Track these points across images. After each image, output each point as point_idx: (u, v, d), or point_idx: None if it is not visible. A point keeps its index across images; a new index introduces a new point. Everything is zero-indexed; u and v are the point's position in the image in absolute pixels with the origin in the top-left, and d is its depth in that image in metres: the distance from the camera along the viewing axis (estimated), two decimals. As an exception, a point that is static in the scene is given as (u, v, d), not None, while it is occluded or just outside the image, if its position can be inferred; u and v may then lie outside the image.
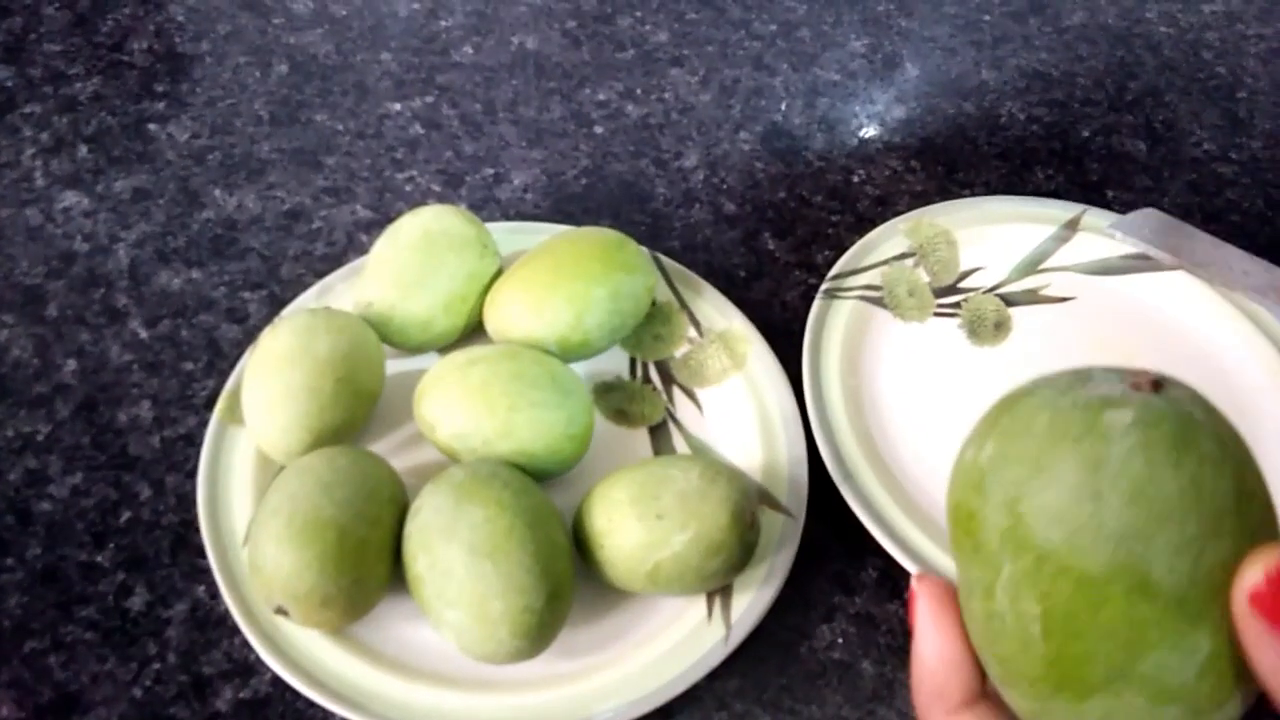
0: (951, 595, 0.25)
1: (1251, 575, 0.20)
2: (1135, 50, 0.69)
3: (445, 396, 0.42)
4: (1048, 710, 0.22)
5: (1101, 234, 0.55)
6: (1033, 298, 0.53)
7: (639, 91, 0.63)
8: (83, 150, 0.56)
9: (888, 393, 0.49)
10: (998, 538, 0.22)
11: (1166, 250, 0.53)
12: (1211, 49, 0.70)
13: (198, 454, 0.43)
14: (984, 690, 0.25)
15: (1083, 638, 0.21)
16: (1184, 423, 0.21)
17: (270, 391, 0.41)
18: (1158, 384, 0.22)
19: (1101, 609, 0.21)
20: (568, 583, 0.38)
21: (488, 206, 0.56)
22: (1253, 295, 0.51)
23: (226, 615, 0.40)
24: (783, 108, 0.63)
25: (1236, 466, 0.21)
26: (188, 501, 0.43)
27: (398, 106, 0.60)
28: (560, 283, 0.45)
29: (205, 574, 0.42)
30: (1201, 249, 0.54)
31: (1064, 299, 0.53)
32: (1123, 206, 0.59)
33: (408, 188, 0.56)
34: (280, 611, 0.37)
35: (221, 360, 0.48)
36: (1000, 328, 0.52)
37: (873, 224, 0.55)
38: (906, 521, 0.43)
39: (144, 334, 0.49)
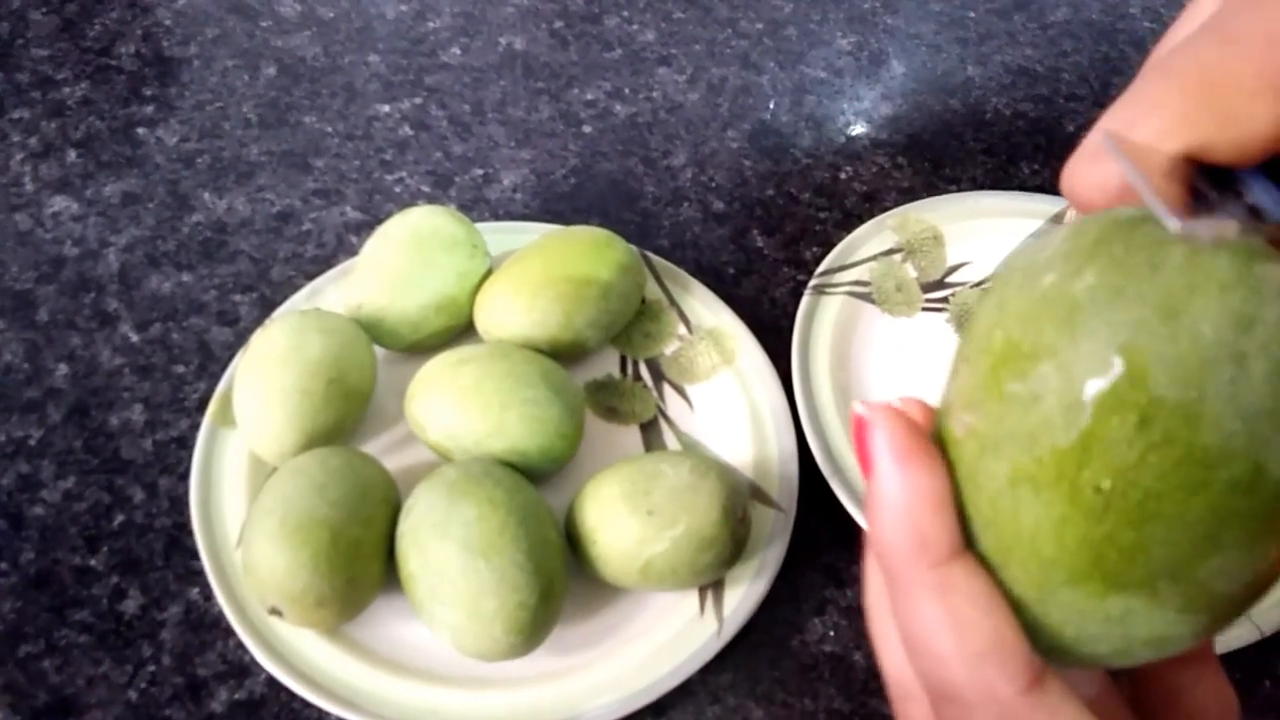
0: (920, 428, 0.20)
1: None
2: (1119, 45, 0.69)
3: (436, 396, 0.42)
4: (1049, 598, 0.19)
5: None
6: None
7: (627, 91, 0.63)
8: (72, 155, 0.57)
9: (877, 387, 0.49)
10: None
11: None
12: (1195, 43, 0.70)
13: (190, 457, 0.44)
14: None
15: (1154, 522, 0.18)
16: None
17: (262, 393, 0.41)
18: None
19: (1196, 494, 0.17)
20: (561, 579, 0.38)
21: (477, 207, 0.56)
22: None
23: (221, 617, 0.41)
24: (771, 106, 0.63)
25: None
26: (181, 504, 0.44)
27: (386, 108, 0.61)
28: (550, 281, 0.46)
29: (199, 576, 0.42)
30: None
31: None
32: (1108, 200, 0.59)
33: (397, 189, 0.57)
34: (274, 612, 0.37)
35: (213, 363, 0.48)
36: (988, 322, 0.52)
37: (860, 220, 0.55)
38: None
39: (135, 338, 0.49)
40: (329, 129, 0.59)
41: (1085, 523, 0.18)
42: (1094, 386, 0.18)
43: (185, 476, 0.44)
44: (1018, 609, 0.19)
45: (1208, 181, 0.19)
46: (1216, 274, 0.17)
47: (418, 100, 0.61)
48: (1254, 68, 0.18)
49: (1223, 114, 0.18)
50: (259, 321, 0.49)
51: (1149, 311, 0.17)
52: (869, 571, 0.23)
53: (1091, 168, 0.20)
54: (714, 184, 0.58)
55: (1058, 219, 0.56)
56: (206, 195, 0.55)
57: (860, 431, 0.21)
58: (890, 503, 0.20)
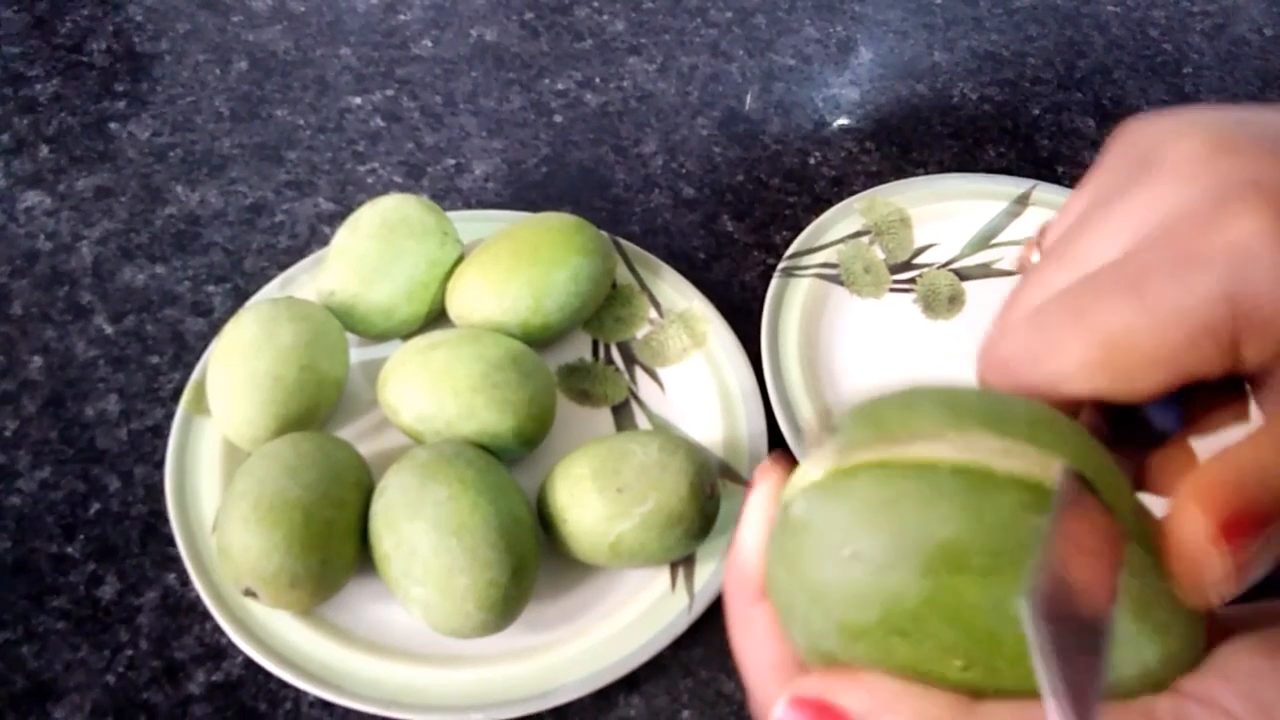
0: (775, 495, 0.23)
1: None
2: (1084, 29, 0.70)
3: (408, 380, 0.43)
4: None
5: (1052, 209, 0.56)
6: (986, 272, 0.54)
7: (598, 80, 0.64)
8: (44, 150, 0.57)
9: (845, 367, 0.50)
10: None
11: None
12: (1158, 26, 0.71)
13: (165, 445, 0.44)
14: None
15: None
16: None
17: (235, 380, 0.42)
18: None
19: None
20: (532, 557, 0.39)
21: (450, 196, 0.57)
22: None
23: (197, 601, 0.41)
24: (749, 99, 0.64)
25: None
26: (156, 492, 0.44)
27: (358, 100, 0.61)
28: (520, 267, 0.46)
29: (175, 562, 0.42)
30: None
31: (1016, 273, 0.54)
32: (1072, 182, 0.60)
33: (369, 180, 0.57)
34: (249, 594, 0.38)
35: (187, 353, 0.49)
36: (954, 302, 0.53)
37: (829, 204, 0.56)
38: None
39: (109, 329, 0.49)
40: (301, 121, 0.59)
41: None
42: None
43: (160, 464, 0.45)
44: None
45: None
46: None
47: (389, 92, 0.62)
48: (1157, 341, 0.20)
49: (1120, 374, 0.20)
50: (233, 312, 0.50)
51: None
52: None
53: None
54: (684, 171, 0.59)
55: (1022, 201, 0.57)
56: (179, 188, 0.56)
57: (749, 489, 0.24)
58: (739, 545, 0.23)
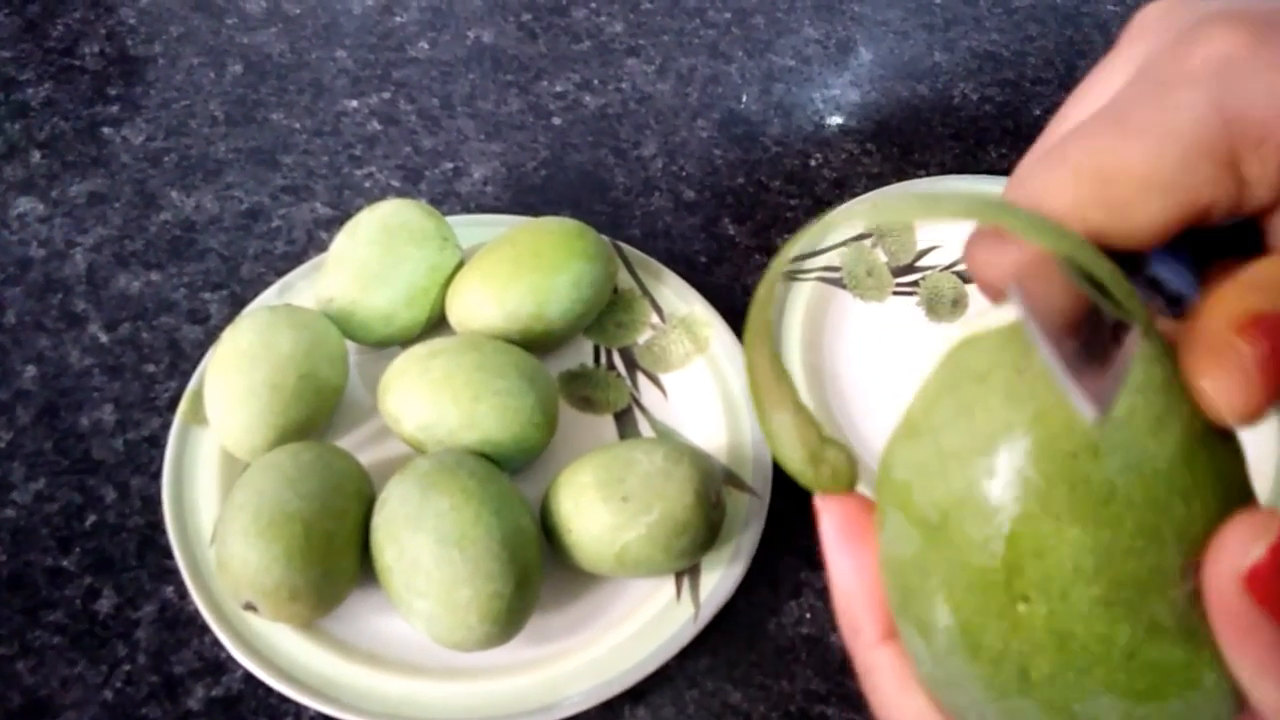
0: (862, 515, 0.22)
1: (1243, 549, 0.16)
2: (1084, 29, 0.70)
3: (409, 389, 0.42)
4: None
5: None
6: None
7: (596, 82, 0.63)
8: (36, 156, 0.56)
9: (848, 371, 0.50)
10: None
11: None
12: (1158, 26, 0.71)
13: (161, 455, 0.43)
14: None
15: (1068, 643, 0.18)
16: None
17: (233, 389, 0.41)
18: None
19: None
20: (536, 568, 0.39)
21: (448, 200, 0.56)
22: None
23: (196, 614, 0.40)
24: (743, 98, 0.63)
25: None
26: (153, 503, 0.43)
27: (354, 103, 0.60)
28: (522, 273, 0.46)
29: (173, 574, 0.42)
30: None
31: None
32: (1075, 182, 0.60)
33: (367, 184, 0.56)
34: (249, 607, 0.37)
35: (183, 361, 0.48)
36: (958, 304, 0.53)
37: (831, 207, 0.56)
38: (871, 496, 0.44)
39: (104, 338, 0.49)
40: (297, 125, 0.59)
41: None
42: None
43: (157, 475, 0.44)
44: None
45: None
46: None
47: (386, 95, 0.61)
48: (1149, 162, 0.18)
49: (1115, 206, 0.19)
50: (229, 319, 0.49)
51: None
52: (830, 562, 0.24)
53: (991, 253, 0.21)
54: (684, 173, 0.59)
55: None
56: (174, 194, 0.55)
57: (816, 519, 0.22)
58: (835, 588, 0.22)
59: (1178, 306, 0.20)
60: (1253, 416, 0.17)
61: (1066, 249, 0.18)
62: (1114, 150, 0.19)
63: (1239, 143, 0.18)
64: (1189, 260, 0.20)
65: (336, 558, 0.38)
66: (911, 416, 0.20)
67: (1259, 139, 0.18)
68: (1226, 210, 0.19)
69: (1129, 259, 0.19)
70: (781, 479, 0.45)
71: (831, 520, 0.22)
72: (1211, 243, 0.20)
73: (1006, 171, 0.60)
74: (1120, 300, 0.18)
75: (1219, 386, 0.17)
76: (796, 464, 0.23)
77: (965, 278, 0.54)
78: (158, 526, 0.43)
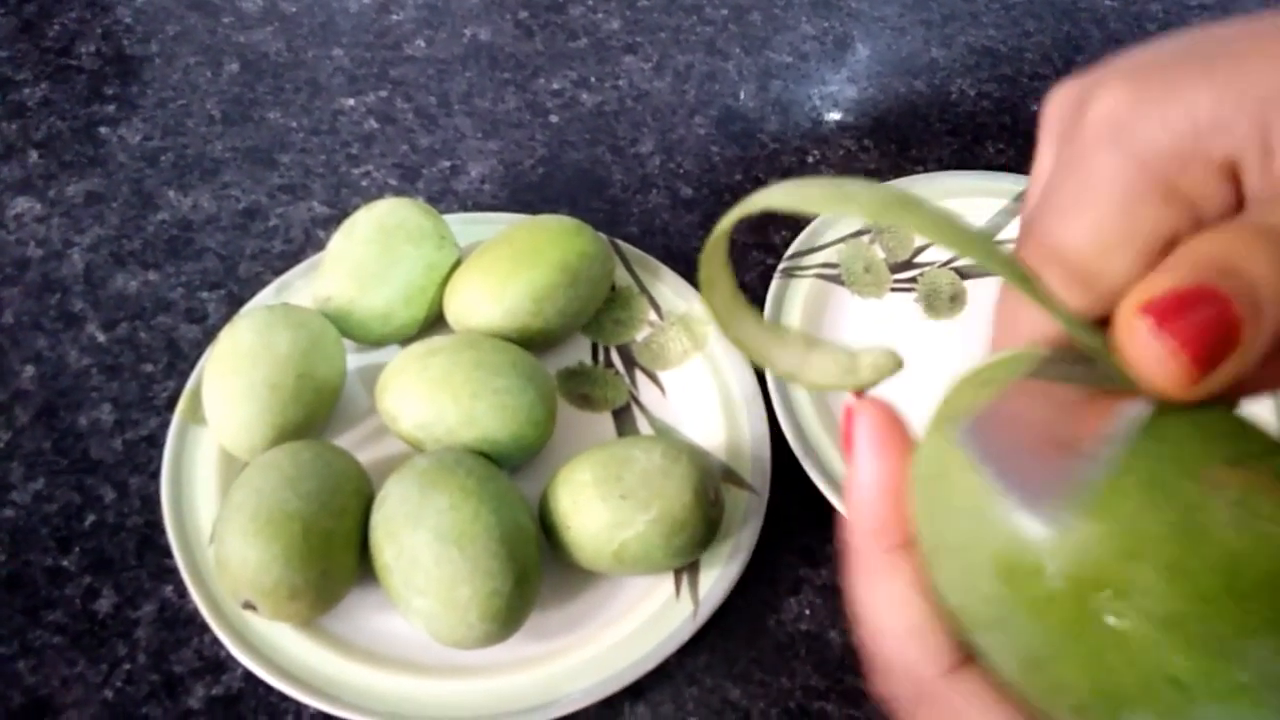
0: (901, 423, 0.21)
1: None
2: (1081, 24, 0.70)
3: (407, 387, 0.42)
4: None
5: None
6: (987, 270, 0.54)
7: (593, 80, 0.63)
8: (33, 156, 0.56)
9: (847, 368, 0.50)
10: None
11: None
12: (1155, 20, 0.71)
13: (160, 455, 0.43)
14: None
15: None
16: None
17: (231, 389, 0.41)
18: None
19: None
20: (534, 566, 0.39)
21: (445, 199, 0.56)
22: None
23: (195, 613, 0.41)
24: (741, 95, 0.63)
25: None
26: (152, 502, 0.43)
27: (351, 102, 0.60)
28: (519, 271, 0.46)
29: (172, 573, 0.42)
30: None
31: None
32: (1072, 178, 0.60)
33: (364, 183, 0.56)
34: (248, 606, 0.37)
35: (181, 361, 0.48)
36: (956, 300, 0.53)
37: (828, 203, 0.56)
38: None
39: (102, 337, 0.49)
40: (293, 124, 0.59)
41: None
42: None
43: (156, 475, 0.44)
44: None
45: None
46: None
47: (383, 93, 0.61)
48: (1092, 228, 0.19)
49: (1086, 280, 0.19)
50: (227, 318, 0.49)
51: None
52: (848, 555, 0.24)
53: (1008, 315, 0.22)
54: (682, 171, 0.59)
55: (1022, 199, 0.56)
56: (171, 193, 0.55)
57: (849, 419, 0.22)
58: (861, 485, 0.21)
59: None
60: (1196, 387, 0.17)
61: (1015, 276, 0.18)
62: (1057, 232, 0.20)
63: (1165, 175, 0.19)
64: None
65: (335, 556, 0.38)
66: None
67: (1180, 164, 0.19)
68: (1194, 228, 0.19)
69: None
70: (780, 476, 0.45)
71: (867, 421, 0.21)
72: None
73: (1004, 167, 0.60)
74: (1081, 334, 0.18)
75: (1142, 367, 0.17)
76: (833, 376, 0.22)
77: (963, 274, 0.54)
78: (157, 526, 0.43)
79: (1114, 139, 0.19)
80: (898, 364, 0.22)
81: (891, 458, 0.21)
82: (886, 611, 0.20)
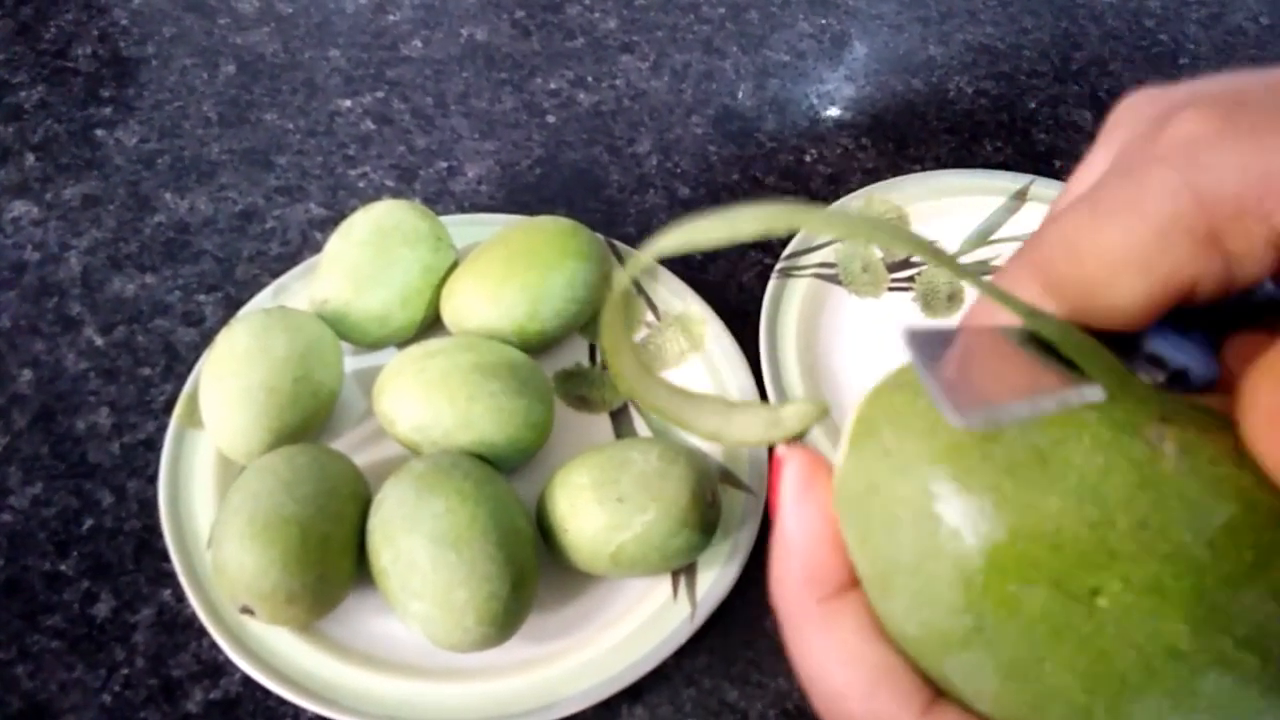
0: (824, 470, 0.21)
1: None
2: (1079, 21, 0.70)
3: (404, 390, 0.42)
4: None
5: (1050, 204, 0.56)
6: (984, 269, 0.54)
7: (590, 79, 0.63)
8: (30, 159, 0.56)
9: (844, 367, 0.50)
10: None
11: None
12: (1154, 17, 0.71)
13: (158, 459, 0.43)
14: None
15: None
16: None
17: (228, 393, 0.41)
18: None
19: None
20: (532, 569, 0.39)
21: (442, 200, 0.56)
22: None
23: (193, 618, 0.41)
24: (738, 93, 0.63)
25: None
26: (150, 506, 0.43)
27: (348, 103, 0.60)
28: (515, 272, 0.46)
29: (170, 578, 0.42)
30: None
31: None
32: (1070, 176, 0.60)
33: (361, 184, 0.56)
34: (246, 611, 0.37)
35: (179, 364, 0.48)
36: (953, 299, 0.53)
37: (825, 202, 0.56)
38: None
39: (99, 341, 0.49)
40: (290, 125, 0.59)
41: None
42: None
43: (154, 479, 0.44)
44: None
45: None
46: None
47: (379, 94, 0.61)
48: (1121, 241, 0.18)
49: (1089, 286, 0.19)
50: (224, 321, 0.49)
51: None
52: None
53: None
54: (679, 170, 0.59)
55: (1020, 197, 0.56)
56: (168, 195, 0.55)
57: (775, 470, 0.21)
58: (788, 534, 0.20)
59: (1184, 382, 0.20)
60: None
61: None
62: (1086, 231, 0.19)
63: (1216, 219, 0.18)
64: (1203, 337, 0.20)
65: (333, 560, 0.38)
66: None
67: (1236, 213, 0.18)
68: (1217, 286, 0.18)
69: (1127, 339, 0.19)
70: (777, 477, 0.45)
71: (792, 471, 0.20)
72: (1232, 317, 0.20)
73: (1002, 165, 0.60)
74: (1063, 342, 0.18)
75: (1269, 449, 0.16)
76: (758, 432, 0.22)
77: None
78: (154, 530, 0.43)
79: (1184, 162, 0.18)
80: (823, 412, 0.22)
81: (822, 502, 0.20)
82: (839, 668, 0.19)
